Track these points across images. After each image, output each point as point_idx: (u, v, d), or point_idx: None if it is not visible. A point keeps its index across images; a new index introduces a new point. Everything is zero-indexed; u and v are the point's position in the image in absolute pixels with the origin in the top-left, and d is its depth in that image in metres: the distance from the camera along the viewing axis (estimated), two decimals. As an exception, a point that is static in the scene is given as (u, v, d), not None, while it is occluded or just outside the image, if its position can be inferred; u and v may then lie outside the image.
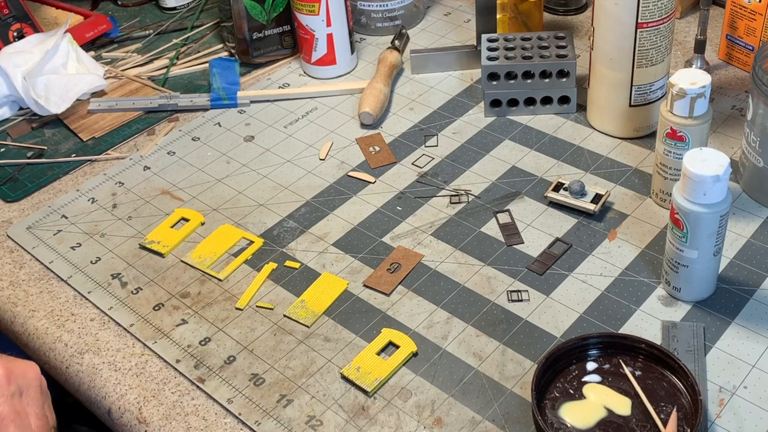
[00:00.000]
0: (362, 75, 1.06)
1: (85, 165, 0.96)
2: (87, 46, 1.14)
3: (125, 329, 0.76)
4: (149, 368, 0.73)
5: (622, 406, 0.64)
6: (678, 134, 0.76)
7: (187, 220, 0.87)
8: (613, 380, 0.66)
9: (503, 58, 0.94)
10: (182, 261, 0.83)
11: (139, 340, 0.75)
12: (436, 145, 0.94)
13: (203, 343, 0.74)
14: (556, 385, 0.66)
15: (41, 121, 1.03)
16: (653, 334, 0.71)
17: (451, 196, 0.87)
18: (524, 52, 0.95)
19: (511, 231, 0.82)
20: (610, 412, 0.64)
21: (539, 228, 0.82)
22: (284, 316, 0.76)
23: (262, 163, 0.94)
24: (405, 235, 0.83)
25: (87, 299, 0.80)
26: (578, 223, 0.82)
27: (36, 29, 1.10)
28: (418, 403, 0.68)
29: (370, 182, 0.90)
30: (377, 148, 0.94)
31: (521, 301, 0.75)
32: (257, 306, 0.77)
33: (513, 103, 0.96)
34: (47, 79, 1.02)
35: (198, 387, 0.71)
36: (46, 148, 0.99)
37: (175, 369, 0.72)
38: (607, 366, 0.67)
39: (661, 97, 0.89)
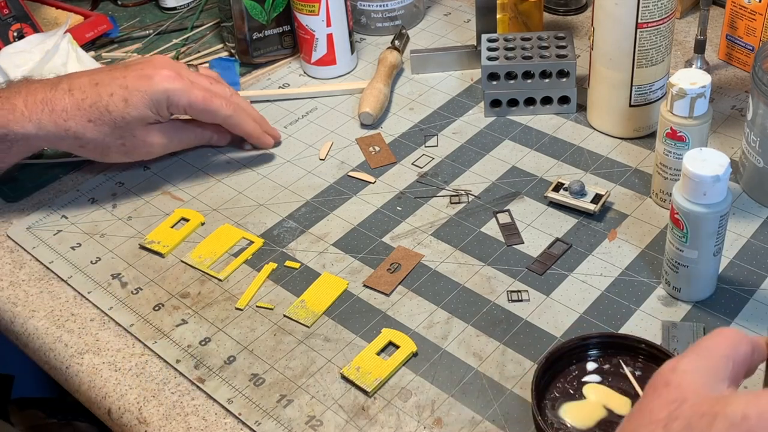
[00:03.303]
0: (362, 75, 1.06)
1: (85, 165, 0.96)
2: (87, 46, 1.14)
3: (125, 329, 0.76)
4: (149, 368, 0.73)
5: (622, 406, 0.64)
6: (678, 134, 0.76)
7: (187, 220, 0.87)
8: (613, 380, 0.66)
9: (503, 58, 0.94)
10: (182, 261, 0.83)
11: (139, 340, 0.75)
12: (436, 145, 0.94)
13: (203, 343, 0.74)
14: (556, 385, 0.66)
15: (41, 121, 1.03)
16: (653, 334, 0.71)
17: (451, 196, 0.87)
18: (524, 52, 0.95)
19: (511, 231, 0.82)
20: (610, 412, 0.64)
21: (539, 228, 0.82)
22: (284, 316, 0.76)
23: (262, 163, 0.94)
24: (405, 235, 0.83)
25: (87, 299, 0.80)
26: (578, 223, 0.82)
27: (36, 29, 1.10)
28: (418, 403, 0.68)
29: (370, 182, 0.90)
30: (377, 148, 0.94)
31: (521, 301, 0.75)
32: (257, 306, 0.77)
33: (513, 103, 0.96)
34: (47, 79, 1.02)
35: (198, 387, 0.71)
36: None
37: (175, 369, 0.72)
38: (607, 366, 0.67)
39: (661, 97, 0.89)
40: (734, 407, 0.44)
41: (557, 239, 0.81)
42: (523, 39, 0.98)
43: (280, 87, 1.06)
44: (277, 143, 0.95)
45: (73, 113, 0.83)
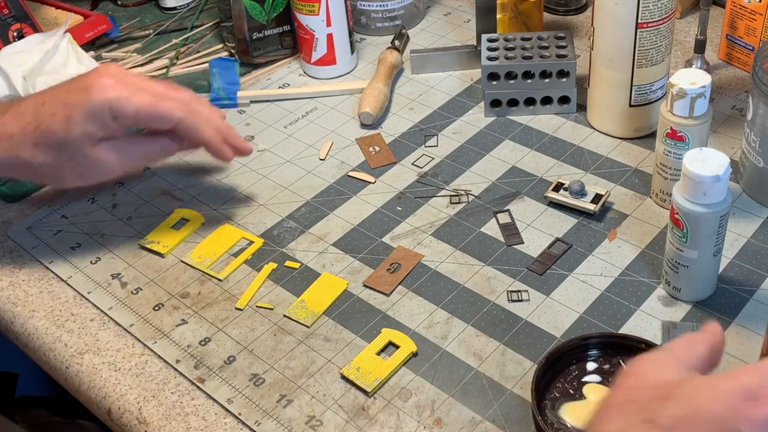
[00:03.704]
0: (362, 75, 1.06)
1: (85, 165, 0.96)
2: (87, 46, 1.14)
3: (125, 329, 0.76)
4: (149, 368, 0.73)
5: (622, 406, 0.64)
6: (678, 134, 0.77)
7: (187, 220, 0.87)
8: (613, 380, 0.66)
9: (503, 58, 0.94)
10: (182, 261, 0.83)
11: (139, 340, 0.75)
12: (436, 145, 0.94)
13: (203, 343, 0.74)
14: (556, 385, 0.66)
15: (41, 121, 1.03)
16: (653, 334, 0.71)
17: (451, 196, 0.87)
18: (524, 52, 0.95)
19: (511, 231, 0.82)
20: (610, 412, 0.64)
21: (539, 228, 0.82)
22: (284, 316, 0.76)
23: (262, 163, 0.94)
24: (405, 235, 0.83)
25: (87, 299, 0.80)
26: (578, 223, 0.82)
27: (36, 29, 1.10)
28: (418, 403, 0.68)
29: (370, 182, 0.90)
30: (377, 148, 0.94)
31: (521, 301, 0.75)
32: (257, 306, 0.77)
33: (513, 103, 0.96)
34: (47, 79, 1.02)
35: (198, 387, 0.71)
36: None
37: (175, 369, 0.72)
38: (607, 366, 0.67)
39: (661, 97, 0.89)
40: (686, 389, 0.46)
41: (557, 239, 0.81)
42: (523, 39, 0.98)
43: (280, 87, 1.06)
44: (246, 155, 0.86)
45: (19, 140, 0.77)
